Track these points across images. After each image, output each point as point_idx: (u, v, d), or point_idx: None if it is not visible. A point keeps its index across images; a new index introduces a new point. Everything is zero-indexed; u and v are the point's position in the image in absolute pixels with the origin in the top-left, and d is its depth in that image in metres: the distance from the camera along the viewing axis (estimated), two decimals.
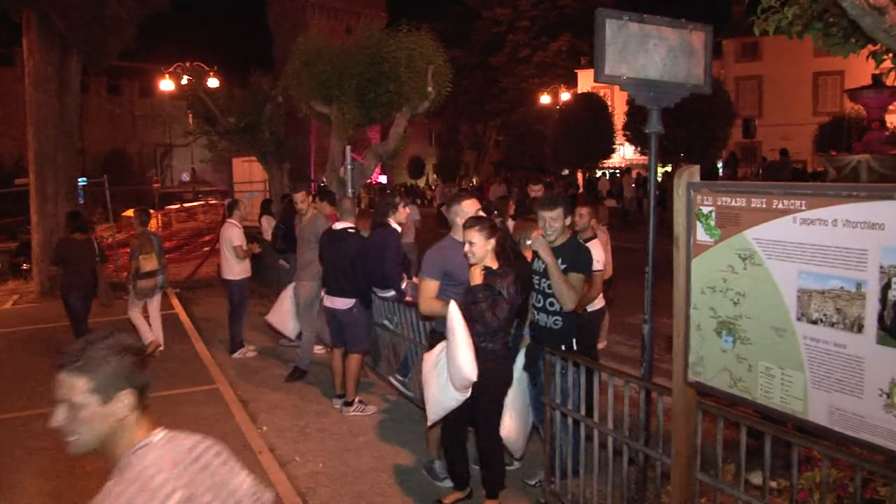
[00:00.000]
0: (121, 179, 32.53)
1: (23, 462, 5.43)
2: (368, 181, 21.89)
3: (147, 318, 8.48)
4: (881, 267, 2.29)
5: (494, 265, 4.22)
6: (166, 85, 25.44)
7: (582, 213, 5.75)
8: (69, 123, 13.22)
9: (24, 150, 15.89)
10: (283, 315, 7.91)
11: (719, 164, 26.60)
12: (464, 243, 4.23)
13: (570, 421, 4.17)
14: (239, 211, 8.59)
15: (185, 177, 42.44)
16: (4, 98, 37.10)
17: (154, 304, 8.48)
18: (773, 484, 3.69)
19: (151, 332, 8.39)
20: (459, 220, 4.61)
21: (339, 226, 6.56)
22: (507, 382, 4.44)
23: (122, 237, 18.29)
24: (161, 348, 8.45)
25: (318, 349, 8.08)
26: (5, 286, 14.34)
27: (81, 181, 17.29)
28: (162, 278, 8.42)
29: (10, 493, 4.90)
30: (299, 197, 7.62)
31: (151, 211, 10.53)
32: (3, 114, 37.23)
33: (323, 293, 6.71)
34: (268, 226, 10.80)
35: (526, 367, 4.71)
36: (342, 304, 6.38)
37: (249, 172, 20.87)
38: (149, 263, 8.18)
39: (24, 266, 14.94)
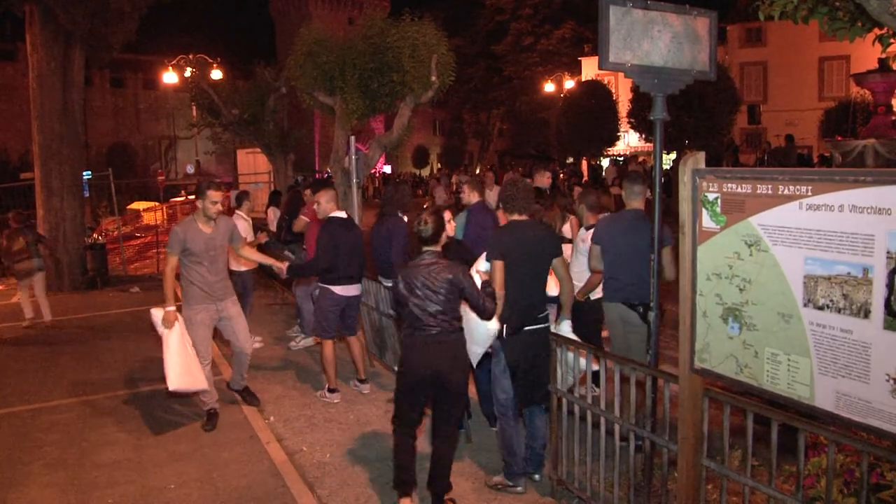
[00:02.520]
0: (125, 172, 32.65)
1: (31, 454, 5.47)
2: (372, 171, 21.92)
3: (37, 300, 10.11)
4: (888, 252, 2.28)
5: None
6: (170, 77, 25.45)
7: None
8: (73, 117, 13.23)
9: (29, 145, 15.94)
10: (194, 370, 5.65)
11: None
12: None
13: (576, 409, 4.18)
14: (248, 203, 8.58)
15: (190, 169, 42.50)
16: (9, 93, 37.18)
17: (38, 286, 10.02)
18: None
19: (31, 311, 10.07)
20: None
21: (341, 214, 6.46)
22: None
23: (127, 230, 18.34)
24: (45, 321, 10.06)
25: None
26: (12, 280, 14.39)
27: (86, 175, 17.33)
28: (38, 261, 9.96)
29: (20, 484, 4.94)
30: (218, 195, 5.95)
31: (155, 203, 10.87)
32: (7, 109, 37.32)
33: (332, 285, 6.48)
34: (274, 217, 10.80)
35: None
36: (357, 290, 6.49)
37: (254, 164, 20.90)
38: (15, 245, 9.86)
39: None
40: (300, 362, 7.67)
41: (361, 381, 6.63)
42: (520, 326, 4.43)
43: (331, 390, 6.40)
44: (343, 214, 6.47)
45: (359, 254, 6.39)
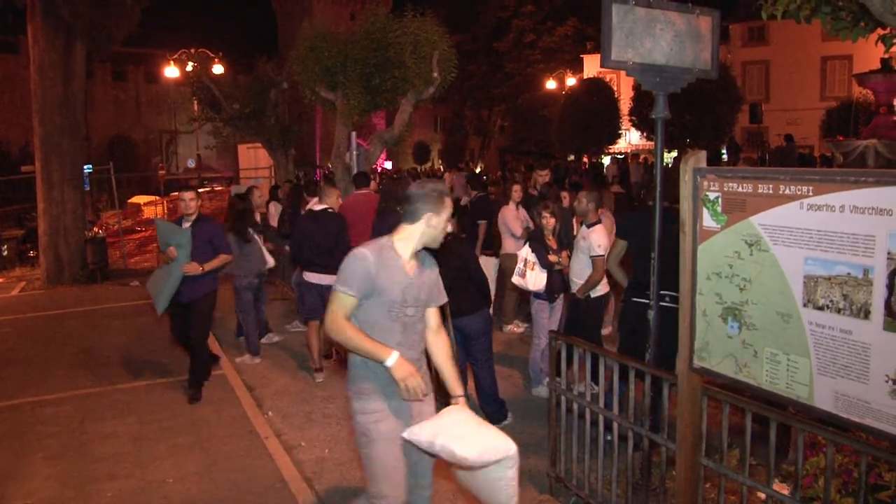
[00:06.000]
0: (126, 166, 32.62)
1: (32, 447, 5.48)
2: (374, 167, 21.81)
3: None
4: (889, 253, 2.28)
5: None
6: (171, 71, 25.43)
7: (580, 199, 6.19)
8: (74, 110, 13.21)
9: (30, 138, 15.94)
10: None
11: (724, 150, 26.42)
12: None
13: (575, 406, 4.18)
14: (252, 199, 8.39)
15: (191, 163, 42.44)
16: (10, 85, 37.09)
17: None
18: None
19: None
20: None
21: (319, 207, 6.89)
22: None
23: (127, 224, 18.31)
24: None
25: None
26: (12, 273, 14.41)
27: (87, 168, 17.33)
28: None
29: (21, 476, 4.95)
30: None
31: (156, 197, 10.69)
32: (9, 101, 37.25)
33: (302, 271, 7.00)
34: (275, 211, 10.79)
35: None
36: (330, 279, 6.54)
37: (255, 159, 20.91)
38: None
39: (31, 253, 15.01)
40: (299, 358, 7.67)
41: (318, 370, 6.95)
42: (630, 297, 5.09)
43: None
44: (319, 207, 6.93)
45: (327, 246, 6.80)
